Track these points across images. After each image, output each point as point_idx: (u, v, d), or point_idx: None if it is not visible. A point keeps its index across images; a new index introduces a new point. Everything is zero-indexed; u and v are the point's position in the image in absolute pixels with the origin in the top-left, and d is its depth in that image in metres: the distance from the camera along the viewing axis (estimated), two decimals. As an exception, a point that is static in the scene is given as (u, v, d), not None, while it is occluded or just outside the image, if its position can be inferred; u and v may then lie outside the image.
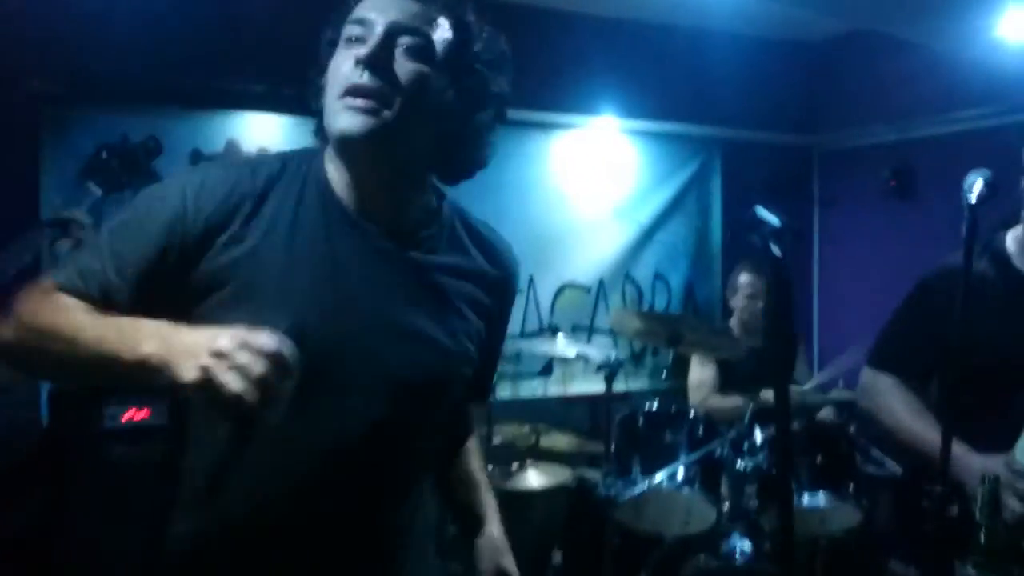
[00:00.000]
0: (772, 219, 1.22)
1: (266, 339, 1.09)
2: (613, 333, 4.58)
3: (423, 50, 1.31)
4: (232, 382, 1.06)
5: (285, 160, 1.38)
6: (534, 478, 3.77)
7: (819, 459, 3.28)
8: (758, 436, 3.35)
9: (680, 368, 4.06)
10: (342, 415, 1.30)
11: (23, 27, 3.38)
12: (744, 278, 4.12)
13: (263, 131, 3.93)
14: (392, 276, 1.35)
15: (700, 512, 3.30)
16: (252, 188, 1.32)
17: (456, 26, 1.34)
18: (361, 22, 1.31)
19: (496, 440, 3.76)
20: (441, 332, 1.38)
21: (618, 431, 3.46)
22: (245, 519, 1.30)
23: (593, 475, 3.72)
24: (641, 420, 3.43)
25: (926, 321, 2.07)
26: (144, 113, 3.64)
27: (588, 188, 4.61)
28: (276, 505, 1.30)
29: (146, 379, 1.14)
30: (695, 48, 4.63)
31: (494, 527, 1.64)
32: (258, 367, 1.07)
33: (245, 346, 1.08)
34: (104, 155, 2.27)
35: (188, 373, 1.09)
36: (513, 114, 4.63)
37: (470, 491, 1.66)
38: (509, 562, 1.63)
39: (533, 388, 4.47)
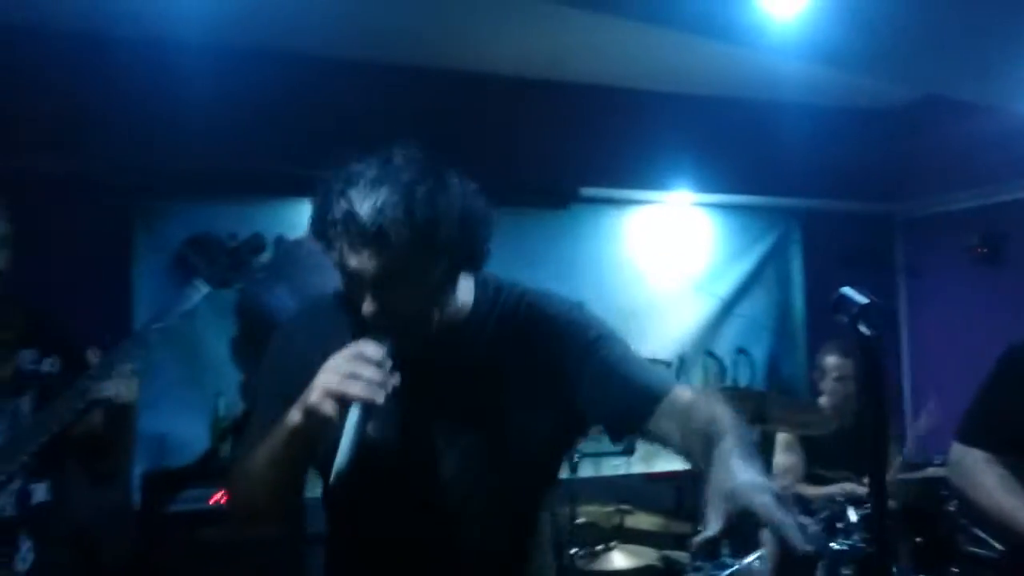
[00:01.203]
0: (859, 298, 1.20)
1: (355, 349, 1.37)
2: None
3: (415, 275, 1.39)
4: (350, 387, 1.33)
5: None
6: (620, 559, 3.68)
7: (918, 540, 3.15)
8: (852, 516, 3.23)
9: (765, 446, 3.95)
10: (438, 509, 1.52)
11: (115, 126, 3.56)
12: (831, 360, 4.00)
13: (344, 216, 4.02)
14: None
15: (794, 595, 3.17)
16: None
17: (430, 219, 1.38)
18: (352, 276, 1.40)
19: (579, 520, 3.69)
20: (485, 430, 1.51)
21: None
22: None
23: (680, 556, 3.62)
24: (728, 500, 3.34)
25: (1015, 391, 1.99)
26: (229, 203, 3.79)
27: (665, 263, 4.59)
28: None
29: (308, 441, 1.40)
30: (769, 120, 4.62)
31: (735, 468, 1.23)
32: (361, 369, 1.34)
33: (346, 363, 1.35)
34: (213, 253, 2.38)
35: (323, 405, 1.34)
36: (588, 192, 4.65)
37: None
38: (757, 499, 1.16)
39: (615, 466, 4.40)
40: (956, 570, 3.14)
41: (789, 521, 1.11)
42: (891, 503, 3.22)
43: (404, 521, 1.52)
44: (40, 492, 2.24)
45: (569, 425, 1.57)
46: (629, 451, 4.41)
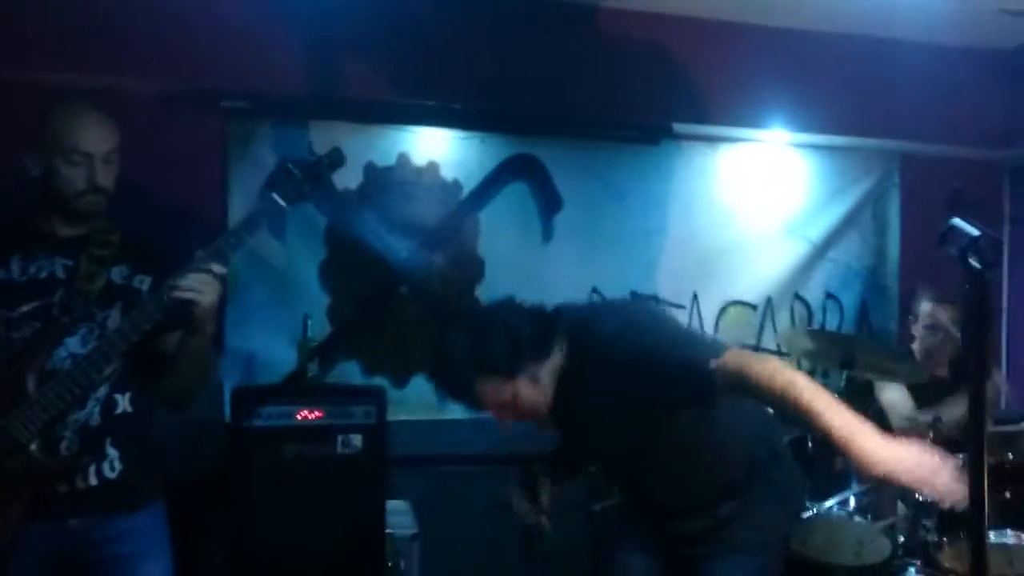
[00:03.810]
0: (970, 229, 1.15)
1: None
2: (780, 352, 4.42)
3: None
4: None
5: None
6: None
7: (1007, 495, 3.07)
8: (939, 465, 3.16)
9: (857, 392, 3.87)
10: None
11: (215, 49, 3.62)
12: (924, 307, 3.90)
13: (432, 145, 4.04)
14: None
15: (873, 543, 3.15)
16: None
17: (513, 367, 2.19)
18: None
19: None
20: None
21: (786, 454, 3.34)
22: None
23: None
24: (811, 444, 3.31)
25: None
26: (321, 128, 3.82)
27: (756, 203, 4.47)
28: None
29: None
30: (872, 58, 4.44)
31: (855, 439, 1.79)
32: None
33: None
34: (290, 167, 2.35)
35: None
36: (679, 128, 4.55)
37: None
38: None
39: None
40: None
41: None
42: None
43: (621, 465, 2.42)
44: (123, 402, 2.28)
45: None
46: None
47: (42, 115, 2.26)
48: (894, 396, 3.80)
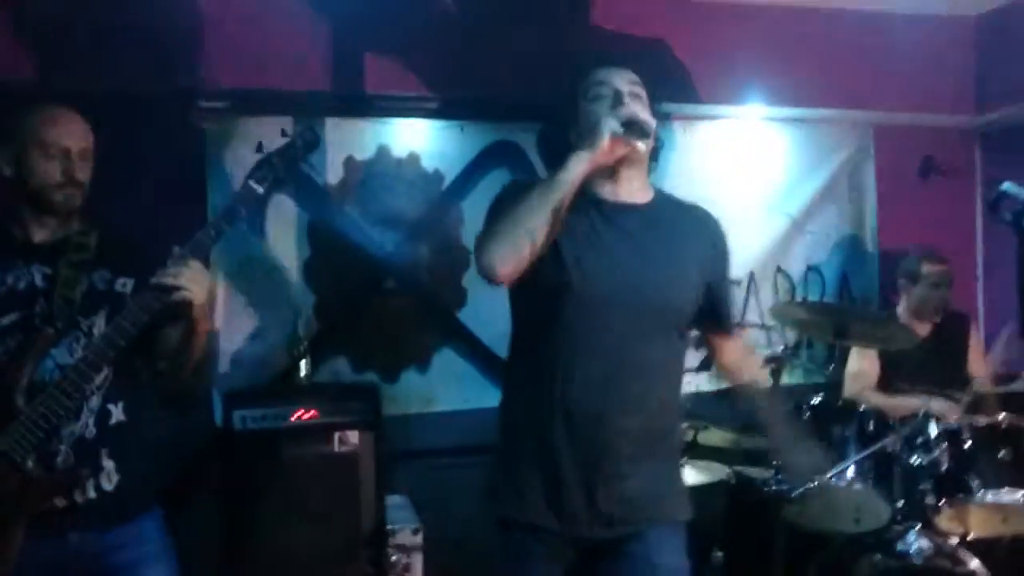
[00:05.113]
0: (1022, 193, 1.15)
1: None
2: (765, 327, 4.46)
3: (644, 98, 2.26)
4: None
5: None
6: (691, 475, 3.70)
7: (1003, 454, 3.12)
8: (933, 430, 3.21)
9: (842, 361, 3.92)
10: (618, 333, 2.14)
11: (190, 48, 3.58)
12: (928, 267, 4.01)
13: (412, 137, 4.01)
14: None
15: (872, 509, 3.19)
16: None
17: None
18: (601, 83, 2.22)
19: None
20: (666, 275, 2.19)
21: (783, 426, 3.36)
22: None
23: (751, 471, 3.63)
24: (807, 414, 3.34)
25: None
26: (300, 123, 3.76)
27: (735, 180, 4.49)
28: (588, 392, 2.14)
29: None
30: (842, 29, 4.46)
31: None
32: None
33: None
34: (265, 153, 2.27)
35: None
36: (658, 107, 4.50)
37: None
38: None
39: (687, 383, 4.38)
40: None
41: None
42: (981, 418, 3.19)
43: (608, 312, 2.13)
44: (117, 412, 2.23)
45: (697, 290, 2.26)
46: (705, 367, 4.39)
47: (14, 114, 2.21)
48: (857, 367, 3.91)
